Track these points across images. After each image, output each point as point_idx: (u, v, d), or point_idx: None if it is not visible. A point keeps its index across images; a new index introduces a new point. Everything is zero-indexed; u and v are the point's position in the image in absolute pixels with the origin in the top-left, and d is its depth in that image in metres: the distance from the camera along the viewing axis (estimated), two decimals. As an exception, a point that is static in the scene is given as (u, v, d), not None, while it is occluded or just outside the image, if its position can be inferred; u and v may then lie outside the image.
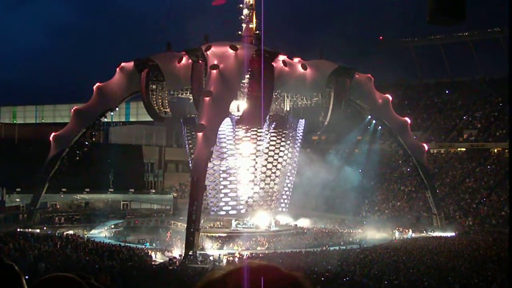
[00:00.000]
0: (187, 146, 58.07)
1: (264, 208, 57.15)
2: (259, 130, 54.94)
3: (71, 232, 56.31)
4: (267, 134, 55.81)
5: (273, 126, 56.12)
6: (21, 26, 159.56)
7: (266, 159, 56.27)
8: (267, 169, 56.42)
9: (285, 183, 58.70)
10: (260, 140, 55.51)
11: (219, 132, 50.50)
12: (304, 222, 65.11)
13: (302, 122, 59.24)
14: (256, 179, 55.97)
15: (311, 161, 67.14)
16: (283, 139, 57.02)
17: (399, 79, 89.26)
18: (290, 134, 57.81)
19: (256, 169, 55.91)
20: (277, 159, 56.96)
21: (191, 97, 54.00)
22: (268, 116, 53.83)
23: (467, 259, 38.59)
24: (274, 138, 56.44)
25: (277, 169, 57.04)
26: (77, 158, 58.11)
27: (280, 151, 57.08)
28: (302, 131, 59.37)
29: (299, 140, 59.63)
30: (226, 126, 52.91)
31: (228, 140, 54.08)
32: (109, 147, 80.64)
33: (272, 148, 56.44)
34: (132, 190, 75.48)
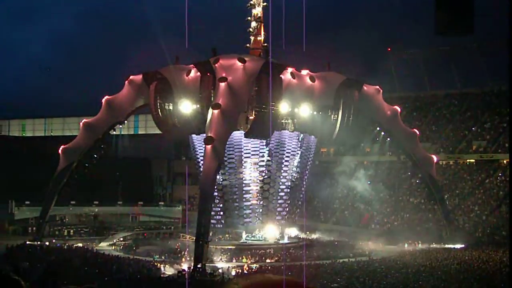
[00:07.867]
0: (196, 159, 58.08)
1: (272, 221, 57.01)
2: (265, 144, 54.91)
3: (80, 244, 56.43)
4: (272, 147, 55.67)
5: (279, 139, 55.98)
6: (29, 39, 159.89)
7: (275, 173, 56.22)
8: (275, 182, 56.35)
9: (294, 195, 58.54)
10: (266, 153, 55.50)
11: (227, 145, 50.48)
12: (313, 235, 64.85)
13: (311, 137, 58.78)
14: (264, 192, 55.90)
15: (320, 173, 66.94)
16: (291, 153, 56.92)
17: (408, 91, 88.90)
18: (298, 148, 57.61)
19: (264, 182, 55.84)
20: (286, 171, 56.88)
21: (199, 110, 54.00)
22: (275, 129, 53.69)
23: (477, 271, 38.41)
24: (281, 152, 56.33)
25: (285, 182, 56.94)
26: (86, 171, 58.25)
27: (287, 164, 57.00)
28: (312, 145, 59.11)
29: (310, 154, 59.38)
30: (233, 138, 52.96)
31: (236, 153, 54.10)
32: (118, 160, 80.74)
33: (278, 161, 56.35)
34: (141, 202, 75.50)
